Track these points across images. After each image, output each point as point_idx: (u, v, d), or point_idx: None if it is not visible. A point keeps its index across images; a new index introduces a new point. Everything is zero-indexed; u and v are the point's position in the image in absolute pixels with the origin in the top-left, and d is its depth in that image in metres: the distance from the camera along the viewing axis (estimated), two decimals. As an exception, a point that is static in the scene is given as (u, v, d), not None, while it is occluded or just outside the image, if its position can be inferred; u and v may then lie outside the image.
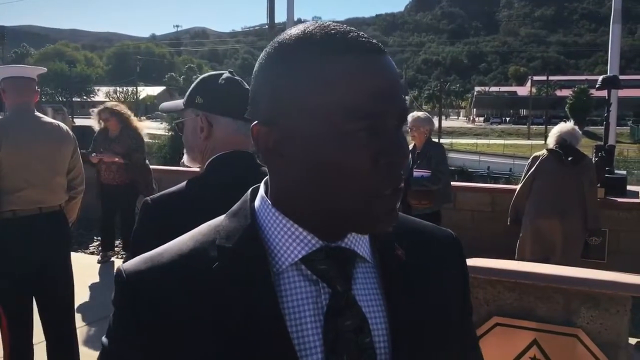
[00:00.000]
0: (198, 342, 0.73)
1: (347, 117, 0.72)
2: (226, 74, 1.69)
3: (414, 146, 5.40)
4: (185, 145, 1.72)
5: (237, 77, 1.68)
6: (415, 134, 5.36)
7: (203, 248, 0.78)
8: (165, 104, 1.85)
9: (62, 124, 3.66)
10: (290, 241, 0.78)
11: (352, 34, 0.75)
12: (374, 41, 0.76)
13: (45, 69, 4.20)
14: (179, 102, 1.75)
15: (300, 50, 0.75)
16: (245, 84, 1.66)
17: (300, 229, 0.78)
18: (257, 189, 0.85)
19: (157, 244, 0.83)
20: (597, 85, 7.53)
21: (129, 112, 6.67)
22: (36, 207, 3.41)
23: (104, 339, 0.79)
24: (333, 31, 0.75)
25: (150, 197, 1.53)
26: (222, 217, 0.83)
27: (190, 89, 1.69)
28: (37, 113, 3.53)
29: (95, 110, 6.68)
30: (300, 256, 0.77)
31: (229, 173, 1.54)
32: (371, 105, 0.72)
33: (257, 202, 0.82)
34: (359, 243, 0.80)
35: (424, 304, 0.82)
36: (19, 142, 3.36)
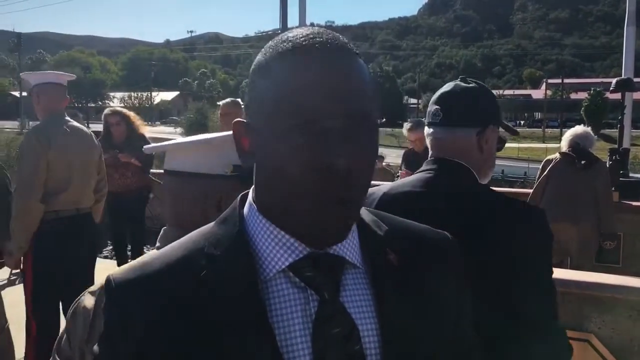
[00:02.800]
0: (185, 351, 0.73)
1: (281, 114, 0.71)
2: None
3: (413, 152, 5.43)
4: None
5: (460, 84, 1.56)
6: (414, 140, 5.39)
7: (192, 256, 0.78)
8: None
9: (87, 129, 3.84)
10: (277, 248, 0.77)
11: (312, 35, 0.74)
12: (336, 42, 0.74)
13: (75, 75, 4.28)
14: None
15: (264, 52, 0.77)
16: (474, 90, 1.54)
17: (287, 236, 0.77)
18: (247, 195, 0.85)
19: None
20: (611, 88, 7.47)
21: (138, 119, 6.07)
22: (74, 208, 3.55)
23: (95, 347, 0.81)
24: (297, 34, 0.75)
25: None
26: (212, 223, 0.83)
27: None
28: (67, 118, 3.68)
29: (106, 110, 6.00)
30: (287, 263, 0.76)
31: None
32: (303, 100, 0.70)
33: (245, 209, 0.82)
34: (349, 249, 0.79)
35: (416, 309, 0.80)
36: (63, 146, 3.53)
